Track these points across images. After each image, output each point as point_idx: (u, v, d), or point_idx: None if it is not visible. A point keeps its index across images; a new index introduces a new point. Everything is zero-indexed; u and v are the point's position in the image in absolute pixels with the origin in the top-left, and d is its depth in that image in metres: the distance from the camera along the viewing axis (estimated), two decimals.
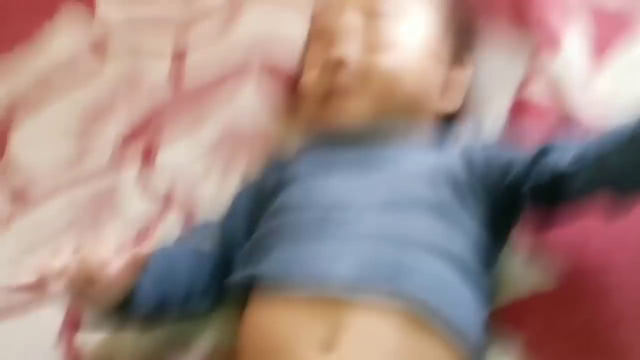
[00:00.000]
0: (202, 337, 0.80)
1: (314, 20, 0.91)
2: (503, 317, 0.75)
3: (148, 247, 0.70)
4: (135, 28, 1.03)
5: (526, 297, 0.76)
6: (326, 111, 0.80)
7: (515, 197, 0.72)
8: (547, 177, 0.70)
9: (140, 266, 0.69)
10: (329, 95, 0.80)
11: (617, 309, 0.72)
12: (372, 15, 0.82)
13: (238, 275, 0.73)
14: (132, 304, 0.70)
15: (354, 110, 0.79)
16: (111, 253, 0.68)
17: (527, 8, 0.91)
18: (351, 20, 0.82)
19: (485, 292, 0.72)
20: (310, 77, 0.83)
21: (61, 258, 0.66)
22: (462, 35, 0.89)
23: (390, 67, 0.80)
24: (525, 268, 0.77)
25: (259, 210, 0.78)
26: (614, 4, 0.90)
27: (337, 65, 0.79)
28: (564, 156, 0.70)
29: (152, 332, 0.79)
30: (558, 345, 0.72)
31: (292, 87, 0.92)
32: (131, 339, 0.80)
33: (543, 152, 0.72)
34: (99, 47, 1.04)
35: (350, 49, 0.80)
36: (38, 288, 0.69)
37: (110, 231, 0.77)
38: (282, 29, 0.99)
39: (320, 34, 0.85)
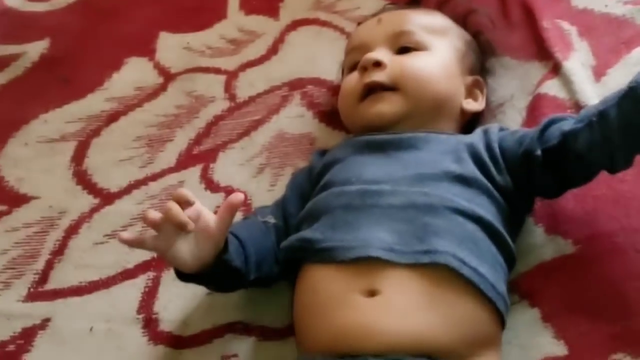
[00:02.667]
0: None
1: (351, 36, 1.03)
2: (523, 283, 0.82)
3: (241, 196, 0.76)
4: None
5: (547, 262, 0.84)
6: (364, 108, 0.89)
7: (531, 163, 0.80)
8: (556, 138, 0.79)
9: (235, 212, 0.75)
10: (366, 93, 0.89)
11: (627, 268, 0.80)
12: (399, 50, 0.92)
13: (292, 239, 0.81)
14: (225, 254, 0.76)
15: (389, 107, 0.88)
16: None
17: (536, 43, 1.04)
18: (382, 52, 0.92)
19: (510, 253, 0.79)
20: (350, 79, 0.93)
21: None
22: (482, 50, 1.01)
23: (421, 67, 0.90)
24: (546, 237, 0.85)
25: (310, 189, 0.88)
26: (608, 40, 1.02)
27: (374, 65, 0.89)
28: (570, 121, 0.80)
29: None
30: (572, 313, 0.79)
31: (334, 93, 1.05)
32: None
33: (552, 121, 0.82)
34: (162, 72, 1.18)
35: (385, 55, 0.91)
36: (139, 240, 0.75)
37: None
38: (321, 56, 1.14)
39: (357, 46, 0.96)
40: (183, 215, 0.73)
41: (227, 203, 0.75)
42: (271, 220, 0.86)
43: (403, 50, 0.92)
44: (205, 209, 0.76)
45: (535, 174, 0.80)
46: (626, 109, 0.74)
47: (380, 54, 0.91)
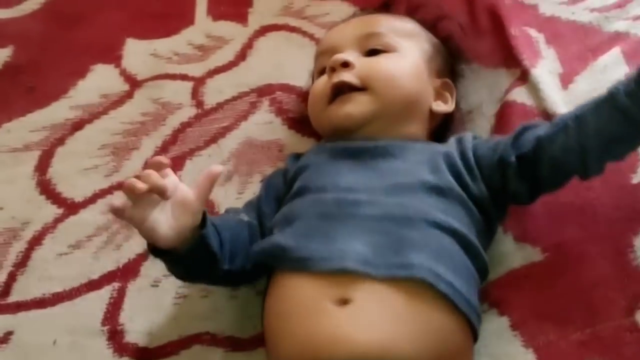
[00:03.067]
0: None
1: (321, 41, 1.03)
2: (492, 291, 0.82)
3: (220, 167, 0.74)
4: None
5: (516, 269, 0.84)
6: (332, 110, 0.88)
7: (506, 170, 0.80)
8: (530, 143, 0.80)
9: (214, 182, 0.73)
10: (335, 95, 0.89)
11: (594, 275, 0.81)
12: (368, 52, 0.92)
13: (265, 243, 0.80)
14: (203, 230, 0.74)
15: (358, 107, 0.87)
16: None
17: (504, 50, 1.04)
18: (350, 54, 0.91)
19: (483, 266, 0.79)
20: (319, 82, 0.92)
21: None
22: (451, 54, 1.01)
23: (389, 67, 0.90)
24: (514, 245, 0.86)
25: (285, 191, 0.87)
26: (575, 47, 1.03)
27: (343, 66, 0.89)
28: (544, 126, 0.81)
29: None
30: (541, 321, 0.80)
31: (303, 99, 1.05)
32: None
33: (525, 128, 0.82)
34: (128, 79, 1.16)
35: (353, 56, 0.91)
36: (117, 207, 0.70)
37: None
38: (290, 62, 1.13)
39: (326, 50, 0.96)
40: (162, 180, 0.71)
41: (207, 172, 0.73)
42: (245, 218, 0.84)
43: (372, 52, 0.92)
44: (181, 183, 0.74)
45: (510, 180, 0.80)
46: (604, 114, 0.75)
47: (349, 55, 0.90)
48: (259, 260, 0.80)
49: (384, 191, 0.79)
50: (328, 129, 0.91)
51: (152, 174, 0.71)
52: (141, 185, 0.69)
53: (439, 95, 0.95)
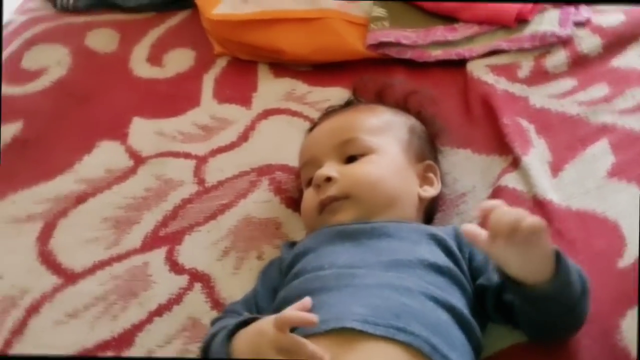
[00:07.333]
0: None
1: (302, 149, 1.05)
2: None
3: None
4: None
5: (504, 350, 0.85)
6: (324, 220, 0.93)
7: (484, 298, 0.84)
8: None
9: None
10: (322, 207, 0.93)
11: (582, 355, 0.82)
12: (347, 159, 0.96)
13: None
14: None
15: (346, 215, 0.91)
16: None
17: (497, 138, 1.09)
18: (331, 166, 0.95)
19: (477, 343, 0.81)
20: (307, 195, 0.96)
21: None
22: (428, 131, 1.05)
23: (368, 173, 0.93)
24: (503, 325, 0.87)
25: (281, 281, 0.89)
26: (564, 137, 1.07)
27: (326, 181, 0.93)
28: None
29: None
30: None
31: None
32: None
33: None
34: (133, 155, 1.20)
35: (333, 169, 0.94)
36: None
37: None
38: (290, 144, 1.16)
39: (309, 161, 1.00)
40: None
41: None
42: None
43: (351, 158, 0.96)
44: None
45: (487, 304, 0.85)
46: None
47: (330, 168, 0.94)
48: None
49: (382, 266, 0.82)
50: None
51: None
52: None
53: (423, 180, 0.98)
